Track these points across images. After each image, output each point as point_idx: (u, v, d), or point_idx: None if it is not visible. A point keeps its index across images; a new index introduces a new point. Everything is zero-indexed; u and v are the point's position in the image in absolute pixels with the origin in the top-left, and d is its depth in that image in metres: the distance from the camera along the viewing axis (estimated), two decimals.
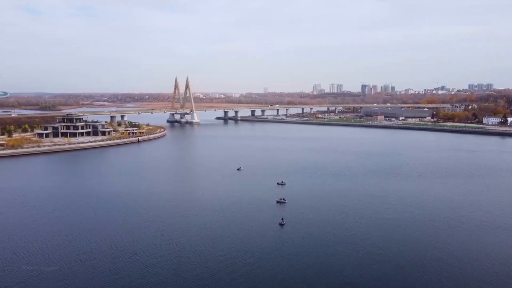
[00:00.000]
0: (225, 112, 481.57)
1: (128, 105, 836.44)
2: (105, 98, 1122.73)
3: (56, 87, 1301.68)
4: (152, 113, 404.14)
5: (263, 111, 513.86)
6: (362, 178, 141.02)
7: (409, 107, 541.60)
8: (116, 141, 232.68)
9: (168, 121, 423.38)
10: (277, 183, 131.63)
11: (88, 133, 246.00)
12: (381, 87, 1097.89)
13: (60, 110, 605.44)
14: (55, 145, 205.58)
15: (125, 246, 78.07)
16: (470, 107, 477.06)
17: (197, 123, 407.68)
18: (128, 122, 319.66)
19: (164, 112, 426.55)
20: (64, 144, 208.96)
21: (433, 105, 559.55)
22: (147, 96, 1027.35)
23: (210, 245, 79.00)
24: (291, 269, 68.95)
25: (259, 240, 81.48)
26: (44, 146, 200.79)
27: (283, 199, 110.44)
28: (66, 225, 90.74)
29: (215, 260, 71.97)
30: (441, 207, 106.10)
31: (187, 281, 64.85)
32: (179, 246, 78.56)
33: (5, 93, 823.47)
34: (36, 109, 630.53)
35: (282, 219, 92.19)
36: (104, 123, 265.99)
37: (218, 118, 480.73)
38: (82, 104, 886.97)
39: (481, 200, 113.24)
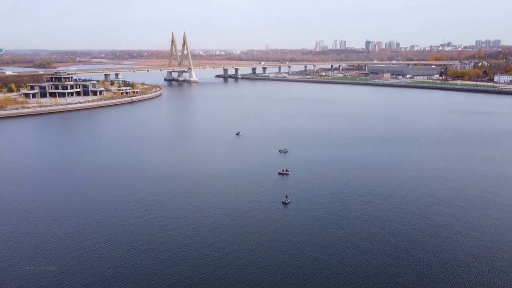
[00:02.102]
0: (225, 70, 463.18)
1: (125, 62, 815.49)
2: (103, 55, 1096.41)
3: (53, 44, 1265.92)
4: (148, 71, 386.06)
5: (264, 68, 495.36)
6: (371, 146, 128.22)
7: (415, 64, 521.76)
8: (107, 101, 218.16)
9: (165, 80, 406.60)
10: (279, 151, 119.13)
11: (78, 93, 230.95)
12: (385, 43, 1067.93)
13: (54, 67, 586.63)
14: (41, 106, 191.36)
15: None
16: (480, 64, 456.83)
17: (196, 82, 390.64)
18: (122, 81, 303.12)
19: (161, 70, 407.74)
20: (51, 105, 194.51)
21: (440, 62, 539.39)
22: (145, 53, 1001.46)
23: (206, 227, 67.12)
24: (296, 254, 57.45)
25: (261, 223, 69.43)
26: (29, 107, 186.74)
27: (286, 170, 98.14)
28: (57, 210, 78.29)
29: (211, 242, 60.38)
30: (463, 182, 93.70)
31: (179, 267, 53.87)
32: (172, 227, 66.76)
33: (0, 50, 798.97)
34: (30, 67, 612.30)
35: (286, 196, 79.98)
36: (95, 82, 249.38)
37: (217, 76, 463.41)
38: (79, 61, 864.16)
39: (508, 174, 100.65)
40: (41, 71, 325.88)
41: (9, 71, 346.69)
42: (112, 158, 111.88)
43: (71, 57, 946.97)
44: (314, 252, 60.12)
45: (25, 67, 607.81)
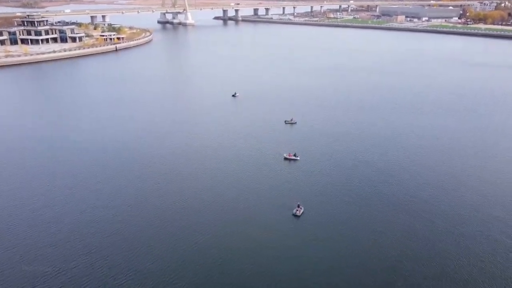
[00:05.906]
0: (224, 11, 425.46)
1: (120, 1, 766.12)
2: None
3: None
4: (138, 12, 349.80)
5: (267, 9, 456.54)
6: (391, 112, 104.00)
7: (430, 5, 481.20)
8: (87, 50, 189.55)
9: (159, 22, 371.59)
10: (285, 122, 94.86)
11: (54, 40, 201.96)
12: None
13: (43, 7, 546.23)
14: (6, 56, 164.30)
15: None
16: (503, 5, 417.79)
17: (192, 25, 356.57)
18: (108, 25, 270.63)
19: (153, 12, 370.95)
20: (19, 55, 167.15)
21: (458, 2, 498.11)
22: None
23: (193, 246, 44.93)
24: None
25: (263, 251, 46.90)
26: None
27: (295, 155, 74.45)
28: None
29: (199, 264, 38.51)
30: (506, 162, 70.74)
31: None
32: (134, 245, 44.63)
33: None
34: (17, 6, 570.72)
35: (298, 205, 56.49)
36: (73, 27, 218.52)
37: (216, 18, 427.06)
38: (71, 0, 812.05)
39: None
40: (13, 13, 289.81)
41: None
42: (81, 127, 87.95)
43: None
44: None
45: (11, 6, 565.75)
